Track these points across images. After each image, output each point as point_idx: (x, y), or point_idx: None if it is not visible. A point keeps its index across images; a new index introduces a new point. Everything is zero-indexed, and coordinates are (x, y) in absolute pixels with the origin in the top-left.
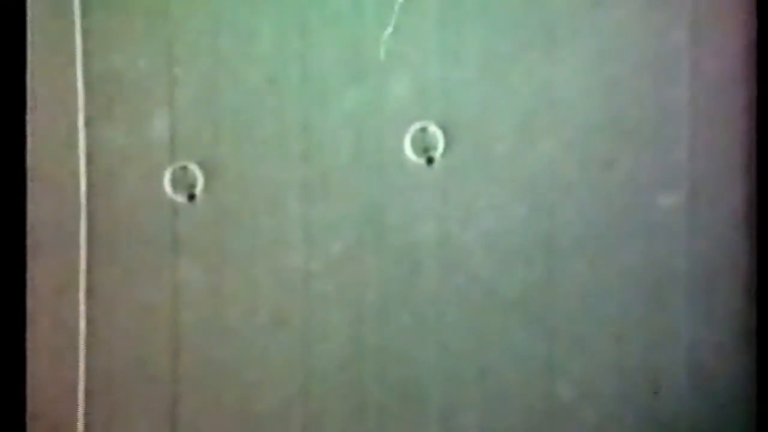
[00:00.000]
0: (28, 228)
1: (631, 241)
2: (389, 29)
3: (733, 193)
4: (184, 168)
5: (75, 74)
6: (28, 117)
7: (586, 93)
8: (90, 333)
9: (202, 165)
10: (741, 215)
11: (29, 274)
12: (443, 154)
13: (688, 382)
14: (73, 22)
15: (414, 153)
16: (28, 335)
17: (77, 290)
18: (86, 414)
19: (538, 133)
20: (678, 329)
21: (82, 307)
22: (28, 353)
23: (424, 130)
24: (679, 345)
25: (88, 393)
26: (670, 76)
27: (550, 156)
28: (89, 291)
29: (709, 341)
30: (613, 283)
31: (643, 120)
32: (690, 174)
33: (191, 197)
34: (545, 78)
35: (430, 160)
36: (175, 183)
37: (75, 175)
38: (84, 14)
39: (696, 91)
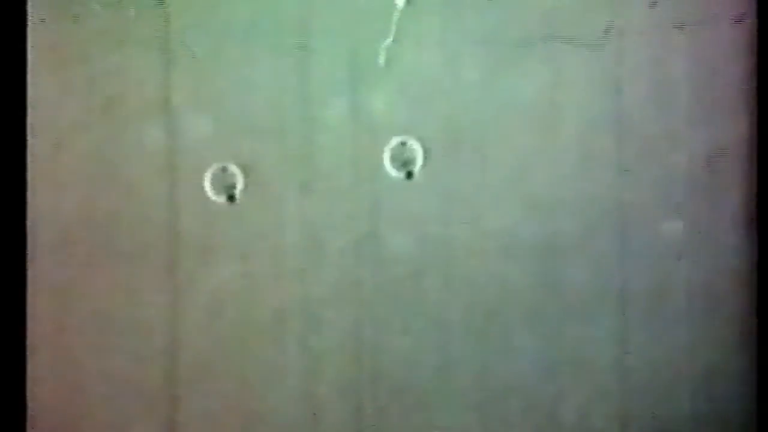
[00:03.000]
0: (28, 228)
1: (631, 241)
2: (389, 39)
3: (733, 194)
4: (224, 169)
5: (75, 74)
6: (28, 117)
7: (586, 94)
8: (89, 333)
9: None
10: (741, 215)
11: (29, 274)
12: (443, 155)
13: (688, 382)
14: (72, 23)
15: (394, 167)
16: (28, 335)
17: (77, 291)
18: (86, 414)
19: (537, 134)
20: (678, 329)
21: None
22: (28, 353)
23: (404, 144)
24: (679, 345)
25: (88, 393)
26: (670, 76)
27: (550, 157)
28: (89, 291)
29: (709, 341)
30: (612, 285)
31: (642, 120)
32: (689, 174)
33: (231, 198)
34: (544, 79)
35: (409, 175)
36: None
37: (75, 175)
38: (84, 14)
39: (695, 92)
